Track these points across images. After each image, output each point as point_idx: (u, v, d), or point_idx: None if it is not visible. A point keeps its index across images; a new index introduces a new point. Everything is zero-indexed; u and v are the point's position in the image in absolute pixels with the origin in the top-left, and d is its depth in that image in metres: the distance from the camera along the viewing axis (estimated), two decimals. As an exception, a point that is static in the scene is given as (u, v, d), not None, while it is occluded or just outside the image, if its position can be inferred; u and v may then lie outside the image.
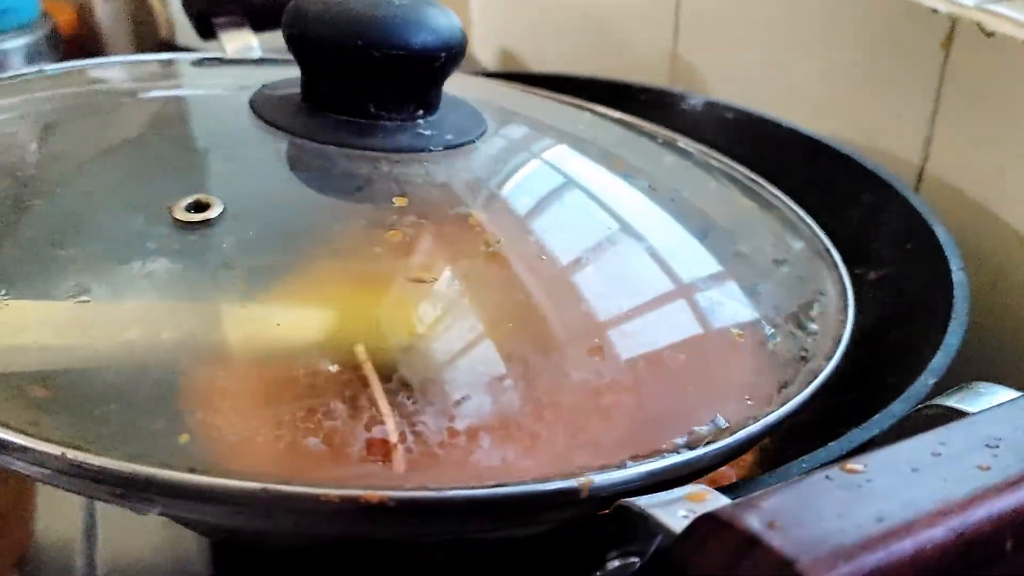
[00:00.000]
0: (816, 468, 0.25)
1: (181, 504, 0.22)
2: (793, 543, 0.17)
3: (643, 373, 0.26)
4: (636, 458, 0.23)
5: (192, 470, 0.21)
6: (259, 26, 0.45)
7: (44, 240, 0.26)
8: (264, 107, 0.32)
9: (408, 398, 0.23)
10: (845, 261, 0.35)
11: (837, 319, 0.31)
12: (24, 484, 0.40)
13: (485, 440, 0.23)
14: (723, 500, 0.20)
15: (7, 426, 0.21)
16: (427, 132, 0.31)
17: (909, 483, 0.18)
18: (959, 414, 0.23)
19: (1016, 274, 0.39)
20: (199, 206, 0.26)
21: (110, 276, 0.25)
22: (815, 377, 0.27)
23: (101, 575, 0.37)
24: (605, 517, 0.22)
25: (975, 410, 0.23)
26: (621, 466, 0.23)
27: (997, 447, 0.19)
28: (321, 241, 0.27)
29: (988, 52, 0.38)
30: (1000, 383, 0.24)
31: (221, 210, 0.26)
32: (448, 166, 0.31)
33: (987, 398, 0.23)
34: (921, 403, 0.27)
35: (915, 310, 0.34)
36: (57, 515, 0.40)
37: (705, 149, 0.41)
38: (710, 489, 0.21)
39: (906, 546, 0.17)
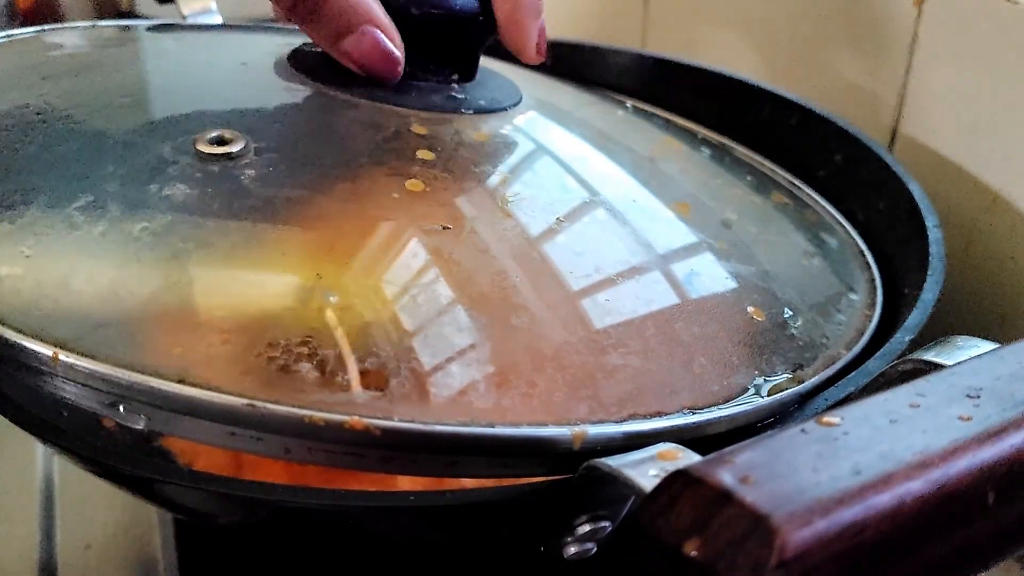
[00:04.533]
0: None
1: (167, 418, 0.21)
2: (767, 498, 0.16)
3: (652, 338, 0.25)
4: (636, 417, 0.23)
5: (182, 381, 0.21)
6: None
7: (68, 159, 0.26)
8: (301, 61, 0.32)
9: (407, 336, 0.23)
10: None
11: (864, 313, 0.30)
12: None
13: (481, 384, 0.22)
14: (695, 457, 0.19)
15: (4, 323, 0.21)
16: (460, 96, 0.32)
17: (887, 435, 0.17)
18: (937, 367, 0.22)
19: (990, 232, 0.38)
20: (222, 140, 0.27)
21: (128, 196, 0.25)
22: (832, 363, 0.27)
23: (60, 552, 0.36)
24: (574, 479, 0.21)
25: (953, 363, 0.22)
26: (619, 422, 0.22)
27: (978, 397, 0.18)
28: (341, 182, 0.27)
29: (962, 8, 0.38)
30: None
31: (243, 145, 0.27)
32: (477, 128, 0.31)
33: (965, 351, 0.22)
34: (895, 360, 0.26)
35: (890, 268, 0.34)
36: (15, 495, 0.39)
37: (746, 151, 0.41)
38: (682, 447, 0.20)
39: (884, 499, 0.16)
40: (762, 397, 0.25)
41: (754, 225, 0.33)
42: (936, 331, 0.28)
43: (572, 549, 0.23)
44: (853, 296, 0.31)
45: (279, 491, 0.22)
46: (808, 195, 0.38)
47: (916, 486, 0.16)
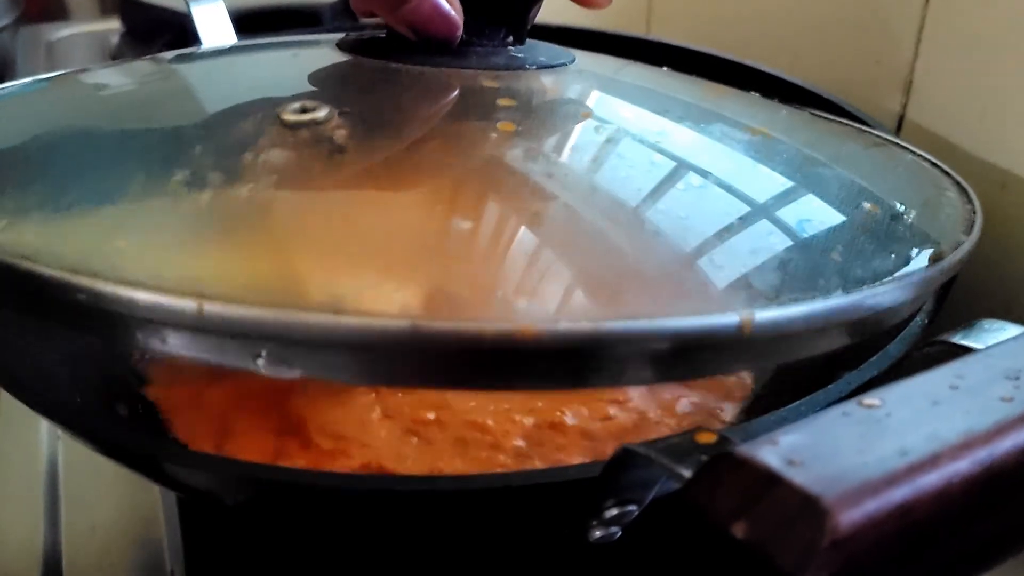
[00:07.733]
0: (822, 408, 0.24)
1: (323, 356, 0.20)
2: (816, 479, 0.16)
3: (784, 232, 0.25)
4: (795, 300, 0.22)
5: (337, 312, 0.19)
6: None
7: (152, 148, 0.26)
8: (354, 46, 0.32)
9: (549, 250, 0.22)
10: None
11: (965, 206, 0.30)
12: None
13: (633, 286, 0.22)
14: (734, 440, 0.19)
15: (135, 284, 0.20)
16: (519, 55, 0.32)
17: (930, 416, 0.17)
18: (967, 350, 0.22)
19: (996, 219, 0.38)
20: (305, 109, 0.27)
21: (225, 166, 0.24)
22: (958, 246, 0.26)
23: (64, 535, 0.36)
24: (609, 462, 0.21)
25: (983, 346, 0.22)
26: (782, 304, 0.21)
27: (1018, 379, 0.18)
28: (436, 132, 0.28)
29: (970, -6, 0.38)
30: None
31: (327, 111, 0.27)
32: (544, 81, 0.32)
33: (994, 334, 0.23)
34: (915, 343, 0.27)
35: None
36: (19, 478, 0.39)
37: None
38: (719, 430, 0.20)
39: (932, 479, 0.16)
40: (905, 278, 0.24)
41: (832, 144, 0.33)
42: (944, 315, 0.28)
43: (597, 533, 0.23)
44: (949, 193, 0.31)
45: (315, 476, 0.21)
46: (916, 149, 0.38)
47: (963, 466, 0.16)
